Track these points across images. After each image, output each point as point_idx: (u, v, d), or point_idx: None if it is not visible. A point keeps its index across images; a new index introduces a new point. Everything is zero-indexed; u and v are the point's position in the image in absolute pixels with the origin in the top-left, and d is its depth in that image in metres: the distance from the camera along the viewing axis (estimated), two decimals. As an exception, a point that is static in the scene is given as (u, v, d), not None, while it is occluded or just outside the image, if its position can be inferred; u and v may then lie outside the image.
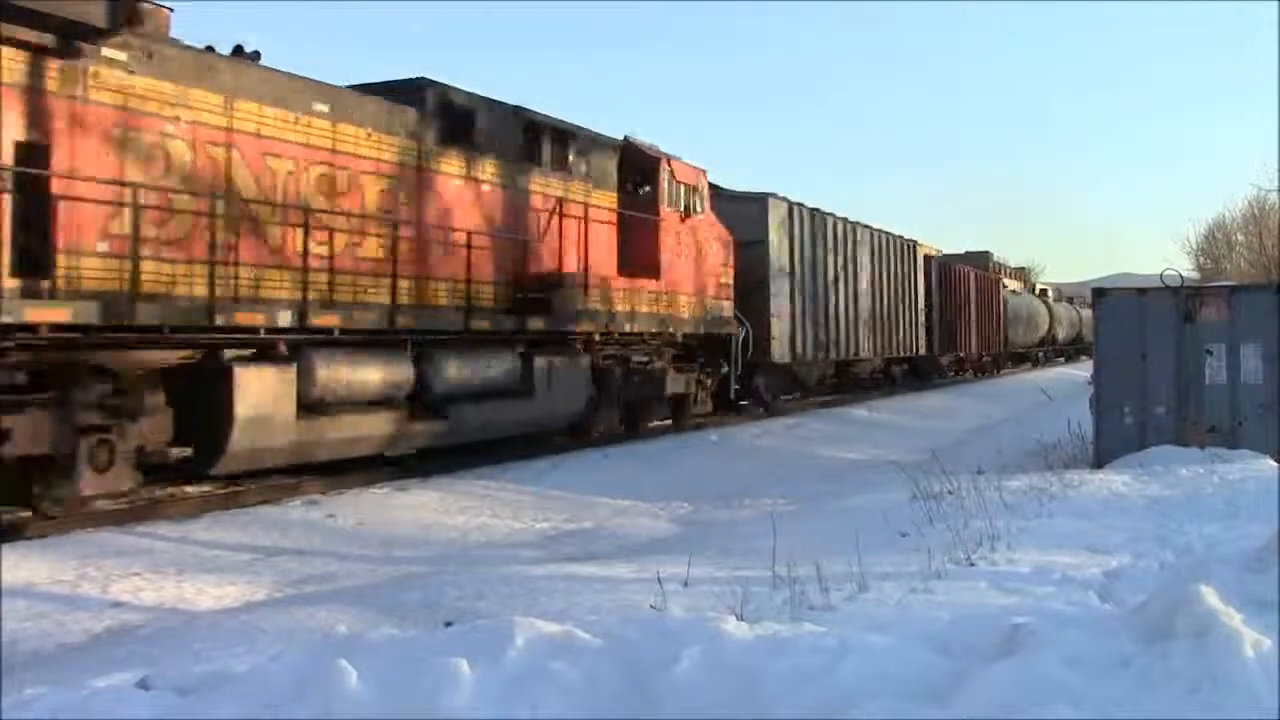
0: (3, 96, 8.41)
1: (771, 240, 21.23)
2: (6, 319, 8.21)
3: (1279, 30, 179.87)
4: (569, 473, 13.57)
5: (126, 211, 9.20)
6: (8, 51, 8.44)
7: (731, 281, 19.32)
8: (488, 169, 13.58)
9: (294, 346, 10.66)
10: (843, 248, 24.93)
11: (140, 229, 9.27)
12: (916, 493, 9.27)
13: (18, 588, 7.30)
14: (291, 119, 10.94)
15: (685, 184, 17.82)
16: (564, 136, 15.13)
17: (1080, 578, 6.38)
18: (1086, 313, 55.75)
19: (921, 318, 30.82)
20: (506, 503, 11.72)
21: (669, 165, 17.41)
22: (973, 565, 6.84)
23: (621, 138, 16.96)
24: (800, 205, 22.91)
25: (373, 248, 11.84)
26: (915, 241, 30.72)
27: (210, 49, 10.43)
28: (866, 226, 26.81)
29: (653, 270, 16.87)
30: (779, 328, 21.18)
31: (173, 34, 9.97)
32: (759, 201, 21.48)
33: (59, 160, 8.79)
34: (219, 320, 9.84)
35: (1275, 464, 10.91)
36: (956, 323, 34.38)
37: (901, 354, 29.40)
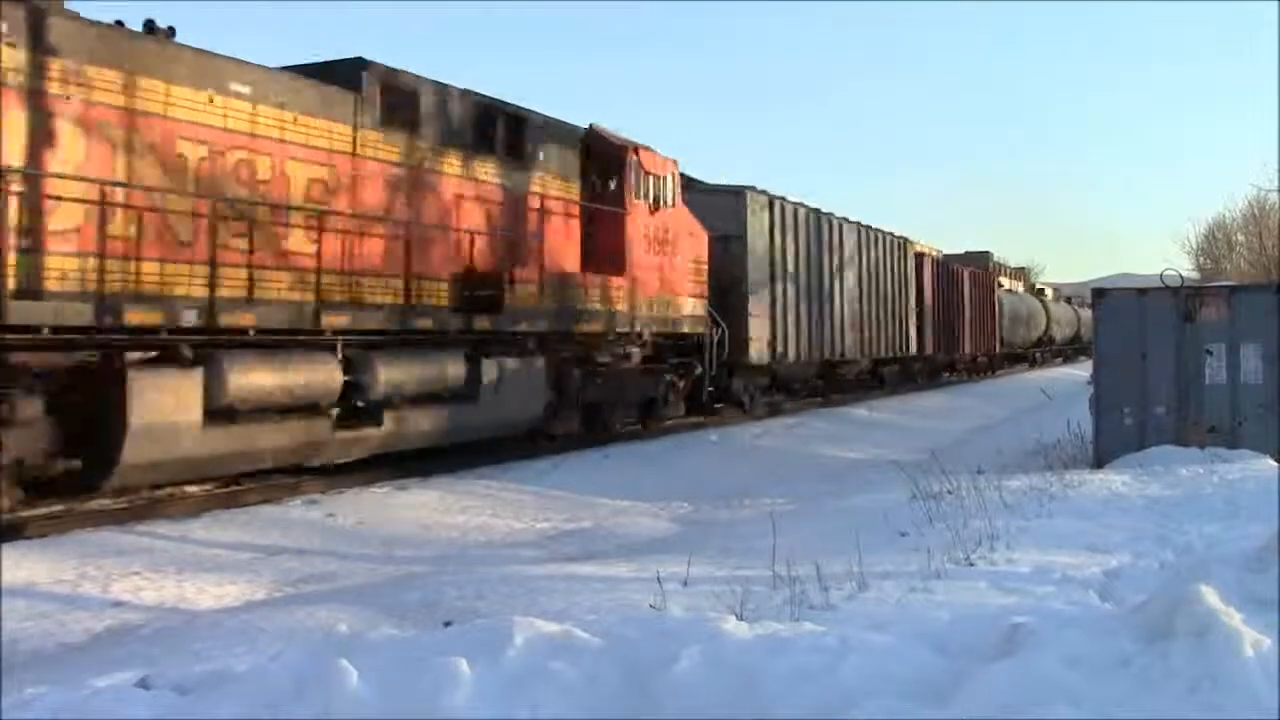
0: None
1: (750, 236, 20.28)
2: None
3: (1279, 30, 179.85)
4: (569, 473, 13.57)
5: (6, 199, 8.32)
6: None
7: (705, 279, 18.39)
8: (432, 156, 12.68)
9: (203, 349, 9.78)
10: (828, 244, 23.98)
11: (22, 218, 8.44)
12: (916, 492, 9.27)
13: (18, 587, 7.31)
14: (204, 100, 9.98)
15: (655, 175, 16.82)
16: (520, 123, 14.18)
17: (1080, 577, 6.39)
18: (1085, 312, 55.52)
19: (913, 317, 29.96)
20: (507, 502, 11.72)
21: (637, 155, 16.41)
22: (972, 565, 6.84)
23: (587, 126, 16.15)
24: (782, 199, 21.98)
25: (299, 240, 10.89)
26: (906, 239, 29.97)
27: (120, 24, 9.63)
28: (854, 222, 25.97)
29: (618, 266, 15.93)
30: (758, 327, 20.27)
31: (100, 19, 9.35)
32: (737, 195, 20.53)
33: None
34: (108, 320, 8.96)
35: (1275, 464, 10.91)
36: (950, 322, 33.62)
37: (891, 354, 28.42)
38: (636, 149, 16.39)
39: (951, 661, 3.72)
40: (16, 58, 8.52)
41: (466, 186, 13.18)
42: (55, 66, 8.81)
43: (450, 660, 3.66)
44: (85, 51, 9.04)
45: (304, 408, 10.79)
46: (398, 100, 12.16)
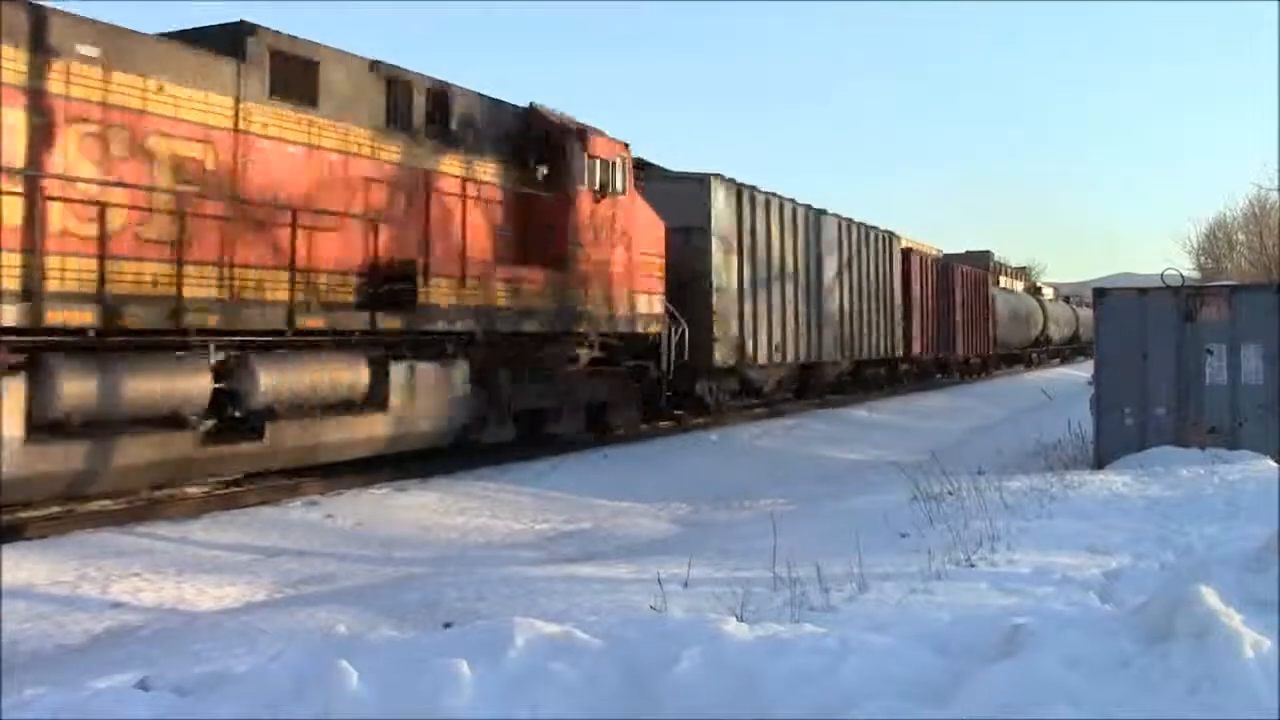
0: None
1: (715, 227, 18.73)
2: None
3: (1279, 30, 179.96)
4: (568, 474, 13.57)
5: None
6: None
7: (662, 273, 16.93)
8: (333, 134, 11.29)
9: (29, 351, 8.54)
10: (804, 237, 22.53)
11: None
12: (916, 493, 9.27)
13: (18, 588, 7.31)
14: (35, 64, 8.58)
15: (603, 159, 15.30)
16: (444, 99, 12.88)
17: (1080, 578, 6.39)
18: (1083, 312, 55.29)
19: (899, 316, 28.53)
20: (505, 503, 11.72)
21: (581, 137, 14.93)
22: (973, 566, 6.84)
23: (527, 105, 14.85)
24: (753, 188, 20.45)
25: (162, 227, 9.49)
26: (892, 233, 28.59)
27: None
28: (834, 215, 24.58)
29: (558, 259, 14.51)
30: (723, 326, 18.84)
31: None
32: (700, 182, 18.86)
33: None
34: None
35: (1275, 464, 10.92)
36: (941, 322, 32.31)
37: (874, 356, 26.99)
38: (581, 130, 15.04)
39: (952, 662, 3.72)
40: None
41: (376, 169, 11.82)
42: None
43: (450, 661, 3.66)
44: None
45: (163, 420, 9.45)
46: (292, 70, 10.80)
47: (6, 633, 6.35)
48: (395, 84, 12.16)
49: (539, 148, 14.56)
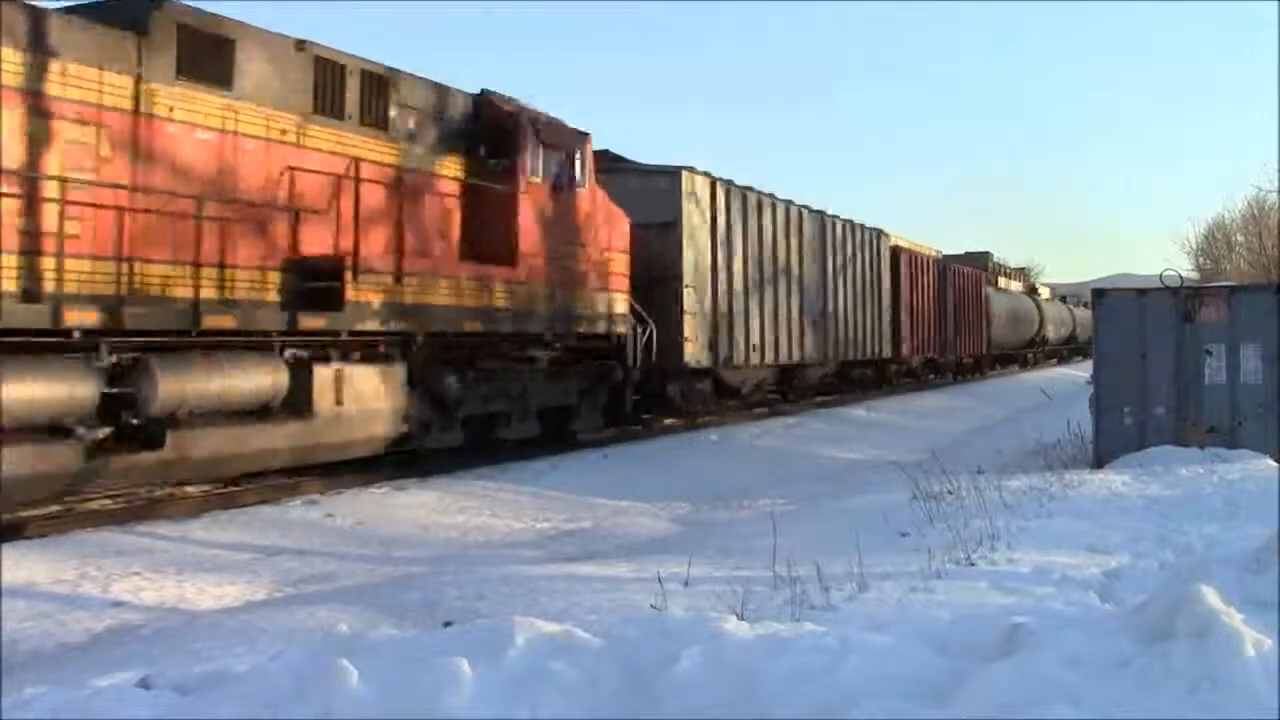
0: None
1: (686, 222, 17.81)
2: None
3: (1279, 30, 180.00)
4: (568, 473, 13.57)
5: None
6: None
7: (627, 271, 16.05)
8: (252, 119, 10.43)
9: None
10: (785, 234, 21.66)
11: None
12: (916, 493, 9.27)
13: (18, 587, 7.31)
14: None
15: (559, 149, 14.51)
16: (381, 84, 11.98)
17: (1080, 578, 6.39)
18: (1081, 312, 55.06)
19: (887, 316, 27.70)
20: (506, 503, 11.72)
21: (534, 125, 14.01)
22: (973, 565, 6.85)
23: (478, 91, 13.95)
24: (729, 182, 19.54)
25: (41, 218, 8.64)
26: (881, 230, 27.70)
27: None
28: (817, 211, 23.70)
29: (508, 255, 13.62)
30: (695, 327, 17.89)
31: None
32: (670, 175, 17.98)
33: None
34: None
35: (1275, 464, 10.93)
36: (931, 322, 31.46)
37: (862, 357, 26.07)
38: (534, 118, 14.10)
39: (952, 661, 3.72)
40: None
41: (302, 157, 10.94)
42: None
43: (451, 660, 3.67)
44: None
45: (41, 429, 8.57)
46: (204, 49, 9.92)
47: (7, 631, 6.35)
48: (325, 66, 11.24)
49: (491, 137, 13.69)
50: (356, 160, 11.43)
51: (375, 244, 11.67)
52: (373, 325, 11.60)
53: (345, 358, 11.39)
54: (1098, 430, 13.09)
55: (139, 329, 9.27)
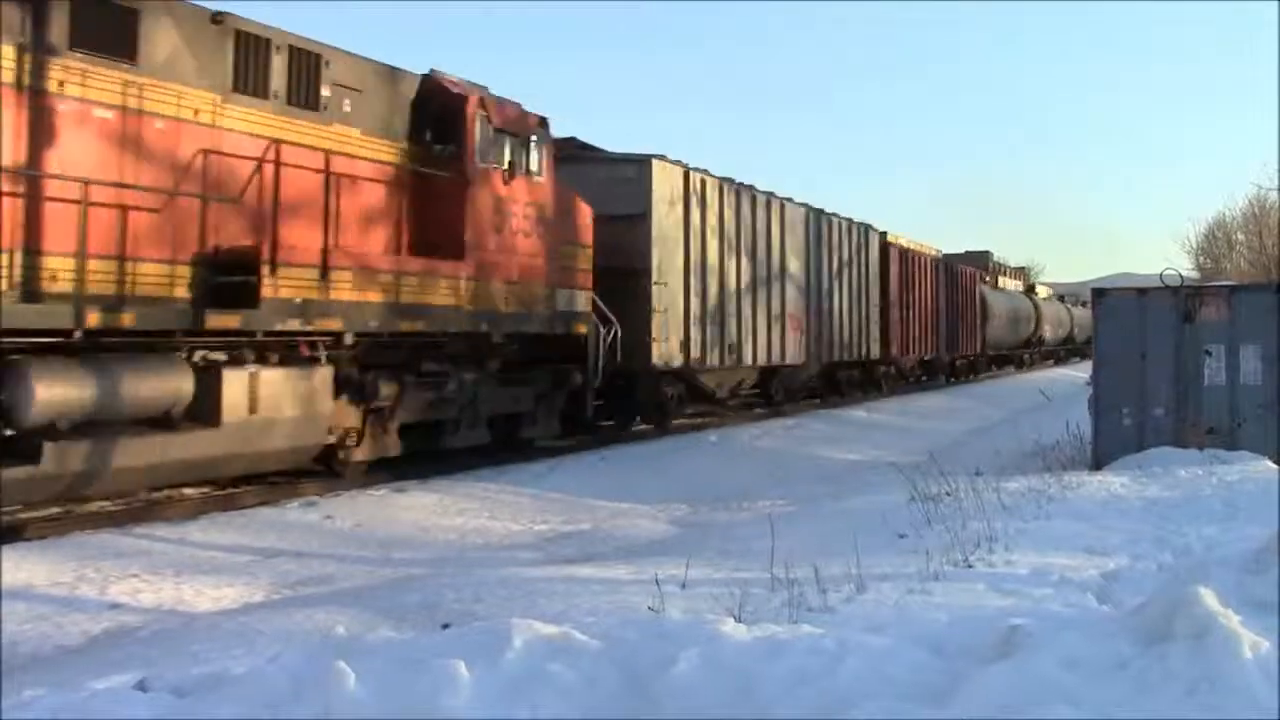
0: None
1: (657, 215, 16.70)
2: None
3: (1279, 30, 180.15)
4: (567, 475, 13.57)
5: None
6: None
7: (589, 266, 14.98)
8: (159, 96, 9.47)
9: None
10: (765, 228, 20.51)
11: None
12: (914, 494, 9.28)
13: (17, 589, 7.30)
14: None
15: (513, 135, 13.43)
16: (312, 62, 10.97)
17: (1078, 579, 6.39)
18: (1079, 311, 54.88)
19: (876, 315, 26.57)
20: (504, 505, 11.72)
21: (484, 108, 12.94)
22: (971, 567, 6.85)
23: (428, 71, 12.90)
24: (704, 172, 18.43)
25: None
26: (870, 226, 26.61)
27: None
28: (802, 204, 22.56)
29: (455, 248, 12.54)
30: (665, 326, 16.80)
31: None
32: (638, 164, 16.80)
33: None
34: None
35: (1274, 465, 10.93)
36: (923, 321, 30.34)
37: (849, 358, 24.99)
38: (484, 100, 13.01)
39: (949, 663, 3.72)
40: None
41: (217, 139, 10.00)
42: None
43: (449, 662, 3.67)
44: None
45: None
46: (103, 18, 9.07)
47: (6, 634, 6.35)
48: (247, 41, 10.30)
49: (439, 121, 12.72)
50: (279, 143, 10.41)
51: (298, 235, 10.63)
52: (294, 324, 10.42)
53: (262, 360, 10.35)
54: (1096, 431, 13.08)
55: (15, 328, 8.24)
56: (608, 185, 16.16)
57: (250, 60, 10.36)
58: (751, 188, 20.34)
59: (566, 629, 4.10)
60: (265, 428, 10.24)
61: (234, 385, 9.90)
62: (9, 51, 8.38)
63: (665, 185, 17.18)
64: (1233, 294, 13.30)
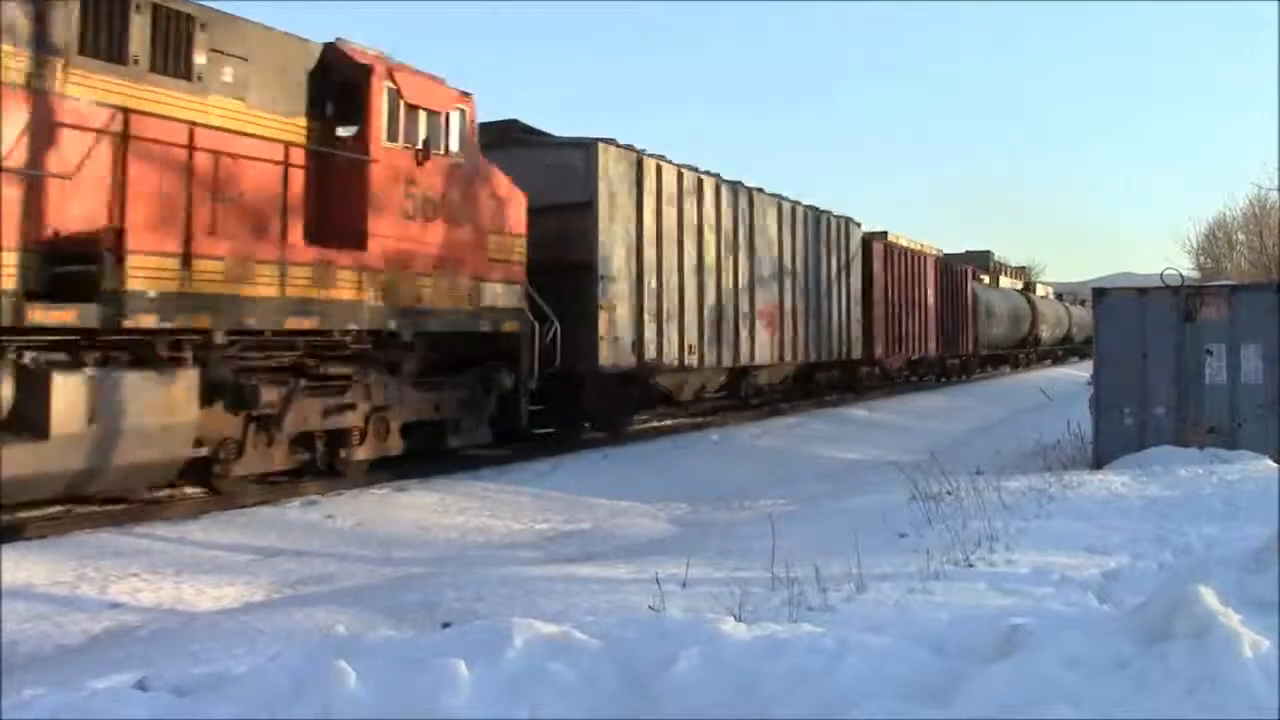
0: None
1: (603, 203, 15.44)
2: None
3: (1279, 30, 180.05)
4: (568, 474, 13.57)
5: None
6: None
7: (523, 259, 13.75)
8: None
9: None
10: (731, 219, 19.14)
11: None
12: (915, 493, 9.27)
13: (17, 588, 7.31)
14: None
15: (428, 111, 12.19)
16: (183, 24, 9.78)
17: (1079, 578, 6.39)
18: (1077, 310, 54.70)
19: (858, 313, 25.28)
20: (505, 504, 11.72)
21: (392, 79, 11.74)
22: (971, 566, 6.85)
23: (333, 39, 11.68)
24: (660, 158, 17.08)
25: None
26: (850, 219, 25.23)
27: None
28: (774, 195, 21.21)
29: (357, 236, 11.30)
30: (614, 323, 15.60)
31: None
32: (584, 149, 15.58)
33: None
34: None
35: (1274, 464, 10.92)
36: (910, 320, 29.01)
37: (825, 358, 23.61)
38: (392, 71, 11.81)
39: (950, 663, 3.72)
40: None
41: (55, 108, 8.79)
42: None
43: (449, 661, 3.67)
44: None
45: None
46: None
47: (6, 633, 6.35)
48: (100, 2, 9.14)
49: (341, 95, 11.51)
50: (135, 115, 9.24)
51: (154, 219, 9.39)
52: (147, 321, 9.05)
53: (107, 362, 8.99)
54: (1097, 431, 13.09)
55: None
56: (553, 172, 15.15)
57: (103, 21, 9.14)
58: (716, 175, 18.96)
59: (567, 628, 4.10)
60: (106, 440, 8.79)
61: (66, 391, 8.45)
62: None
63: (615, 172, 15.89)
64: (1233, 294, 13.30)
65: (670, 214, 17.21)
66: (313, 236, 11.03)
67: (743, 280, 19.57)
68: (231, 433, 10.37)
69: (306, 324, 10.61)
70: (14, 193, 8.46)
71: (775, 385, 22.56)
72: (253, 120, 10.50)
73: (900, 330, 28.37)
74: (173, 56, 9.72)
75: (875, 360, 27.16)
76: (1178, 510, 8.79)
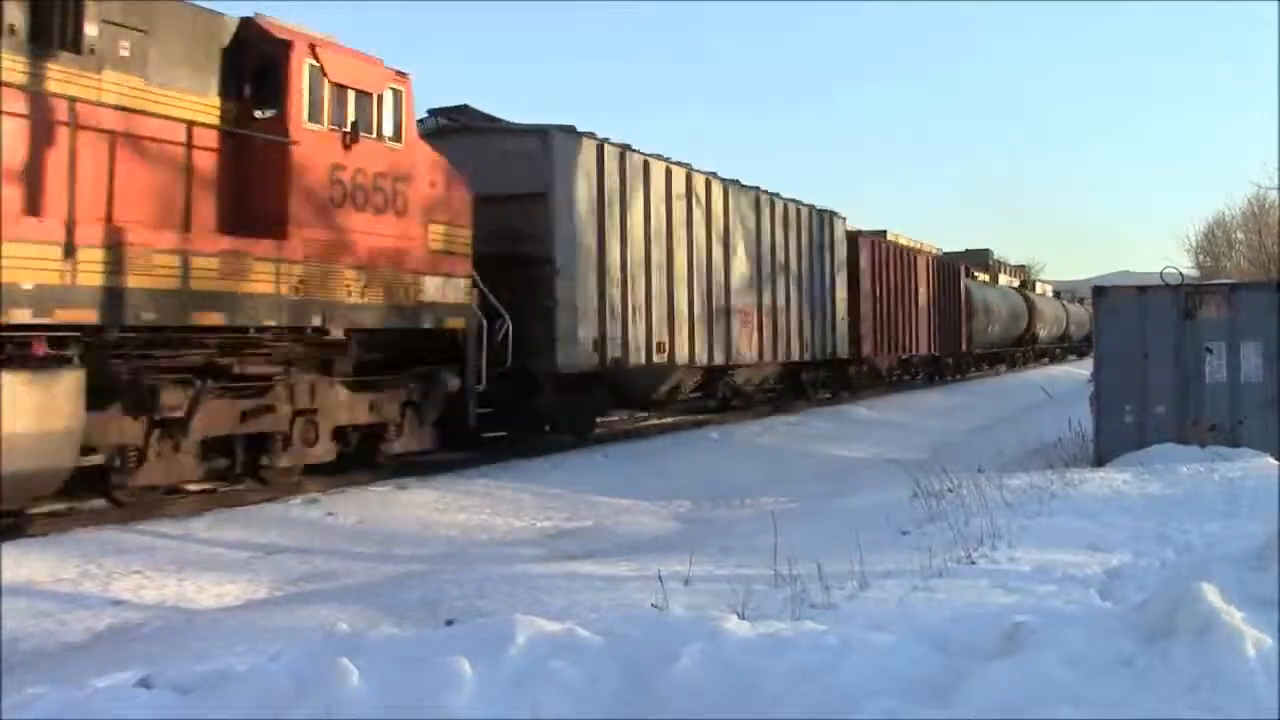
0: None
1: (560, 194, 14.65)
2: None
3: (1279, 30, 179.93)
4: (570, 471, 13.57)
5: None
6: None
7: (468, 250, 12.89)
8: None
9: None
10: (703, 211, 18.17)
11: None
12: (917, 491, 9.27)
13: (19, 586, 7.31)
14: None
15: (357, 90, 11.32)
16: None
17: (1081, 576, 6.39)
18: (1075, 308, 54.69)
19: (843, 311, 24.48)
20: (507, 501, 11.72)
21: (316, 57, 10.91)
22: (974, 563, 6.84)
23: (251, 14, 10.86)
24: (625, 147, 16.18)
25: None
26: (833, 212, 24.39)
27: None
28: (751, 188, 20.43)
29: (276, 224, 10.49)
30: (573, 321, 14.77)
31: None
32: (539, 136, 14.81)
33: None
34: None
35: (1275, 462, 10.91)
36: (897, 317, 28.16)
37: (809, 357, 22.82)
38: (315, 48, 10.94)
39: (952, 660, 3.72)
40: None
41: None
42: None
43: (451, 659, 3.66)
44: None
45: None
46: None
47: (8, 631, 6.36)
48: None
49: (260, 72, 10.70)
50: (40, 97, 8.60)
51: (29, 204, 8.51)
52: (21, 316, 8.21)
53: None
54: (1098, 429, 13.08)
55: None
56: (509, 161, 14.42)
57: None
58: (688, 166, 17.96)
59: (569, 626, 4.10)
60: None
61: None
62: None
63: (574, 161, 15.08)
64: (1233, 292, 13.30)
65: (636, 204, 16.35)
66: (232, 225, 10.26)
67: (718, 275, 18.76)
68: (131, 439, 9.46)
69: (215, 319, 9.81)
70: None
71: (758, 386, 21.90)
72: (154, 99, 9.62)
73: (890, 328, 27.67)
74: (56, 27, 8.83)
75: (863, 359, 26.44)
76: (1179, 508, 8.79)
